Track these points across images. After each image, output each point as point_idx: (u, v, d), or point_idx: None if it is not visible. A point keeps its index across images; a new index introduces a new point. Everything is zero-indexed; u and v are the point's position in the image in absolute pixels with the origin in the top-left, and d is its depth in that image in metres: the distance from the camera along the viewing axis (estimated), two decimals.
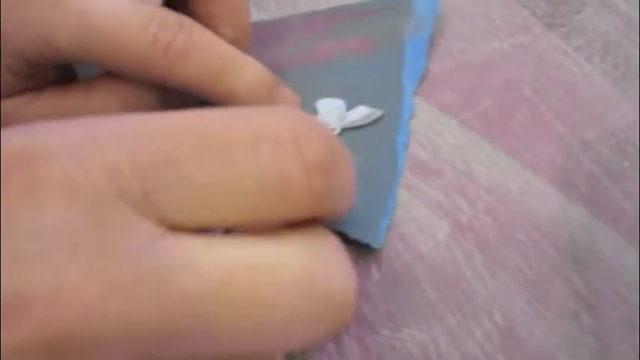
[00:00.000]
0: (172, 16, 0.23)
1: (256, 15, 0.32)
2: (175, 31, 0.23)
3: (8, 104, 0.24)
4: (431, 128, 0.27)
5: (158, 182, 0.14)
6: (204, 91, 0.24)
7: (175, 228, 0.14)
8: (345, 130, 0.26)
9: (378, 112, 0.27)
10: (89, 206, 0.13)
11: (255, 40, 0.29)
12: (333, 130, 0.26)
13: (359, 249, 0.24)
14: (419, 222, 0.25)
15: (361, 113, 0.27)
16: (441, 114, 0.28)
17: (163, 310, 0.13)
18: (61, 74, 0.25)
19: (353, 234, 0.24)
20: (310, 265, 0.14)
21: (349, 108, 0.27)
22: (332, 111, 0.27)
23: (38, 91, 0.25)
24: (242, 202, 0.14)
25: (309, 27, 0.31)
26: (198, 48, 0.23)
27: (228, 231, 0.15)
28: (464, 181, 0.26)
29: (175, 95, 0.25)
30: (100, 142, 0.14)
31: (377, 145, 0.26)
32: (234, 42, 0.25)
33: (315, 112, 0.27)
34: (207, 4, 0.25)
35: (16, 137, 0.14)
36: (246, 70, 0.24)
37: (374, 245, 0.24)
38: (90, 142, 0.14)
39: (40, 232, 0.13)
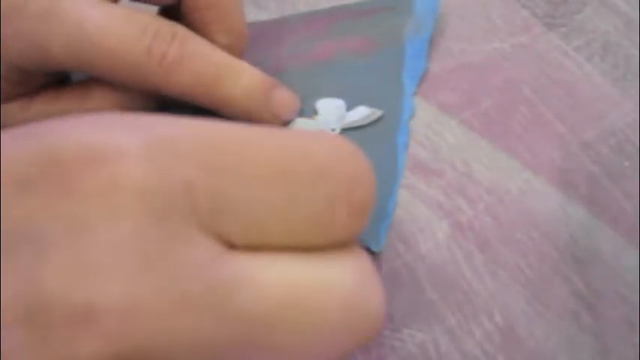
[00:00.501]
0: (166, 26, 0.23)
1: (256, 15, 0.32)
2: (169, 40, 0.23)
3: (2, 110, 0.24)
4: (431, 128, 0.27)
5: (225, 204, 0.14)
6: (200, 98, 0.24)
7: (230, 246, 0.14)
8: (344, 130, 0.26)
9: (378, 113, 0.27)
10: (163, 217, 0.13)
11: (255, 40, 0.29)
12: (333, 130, 0.26)
13: None
14: (419, 222, 0.25)
15: (361, 113, 0.27)
16: (441, 114, 0.28)
17: (223, 326, 0.13)
18: (53, 78, 0.25)
19: None
20: (354, 285, 0.15)
21: (349, 108, 0.27)
22: (332, 111, 0.27)
23: (32, 96, 0.25)
24: (293, 229, 0.14)
25: (308, 27, 0.31)
26: (192, 56, 0.23)
27: None
28: (464, 181, 0.26)
29: (170, 99, 0.25)
30: (179, 150, 0.14)
31: (377, 146, 0.26)
32: (229, 48, 0.25)
33: (315, 112, 0.27)
34: (200, 12, 0.25)
35: (89, 131, 0.14)
36: (242, 76, 0.24)
37: (374, 249, 0.24)
38: (168, 148, 0.14)
39: (114, 242, 0.13)
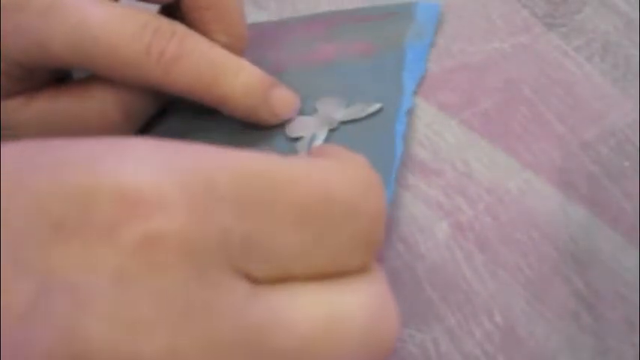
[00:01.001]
0: (166, 24, 0.23)
1: (256, 15, 0.32)
2: (168, 38, 0.23)
3: (2, 107, 0.24)
4: (431, 128, 0.27)
5: (255, 246, 0.14)
6: (199, 96, 0.24)
7: (254, 280, 0.14)
8: (344, 122, 0.26)
9: (377, 105, 0.27)
10: (201, 267, 0.13)
11: (255, 41, 0.29)
12: (331, 125, 0.26)
13: None
14: (419, 222, 0.25)
15: (359, 107, 0.27)
16: (441, 114, 0.28)
17: None
18: (55, 75, 0.25)
19: None
20: (374, 311, 0.15)
21: (349, 103, 0.27)
22: (331, 109, 0.27)
23: (33, 92, 0.25)
24: (314, 265, 0.15)
25: (308, 29, 0.31)
26: (191, 54, 0.23)
27: None
28: (464, 181, 0.26)
29: (170, 97, 0.25)
30: (215, 195, 0.14)
31: (376, 134, 0.26)
32: (229, 47, 0.25)
33: (315, 111, 0.27)
34: (200, 11, 0.25)
35: (127, 170, 0.13)
36: (241, 75, 0.24)
37: None
38: (206, 193, 0.13)
39: (156, 294, 0.13)
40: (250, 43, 0.27)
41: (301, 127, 0.26)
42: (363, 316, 0.15)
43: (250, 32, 0.27)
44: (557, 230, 0.24)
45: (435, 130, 0.27)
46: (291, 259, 0.14)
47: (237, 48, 0.26)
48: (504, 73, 0.29)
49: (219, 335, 0.13)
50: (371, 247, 0.15)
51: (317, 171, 0.15)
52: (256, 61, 0.26)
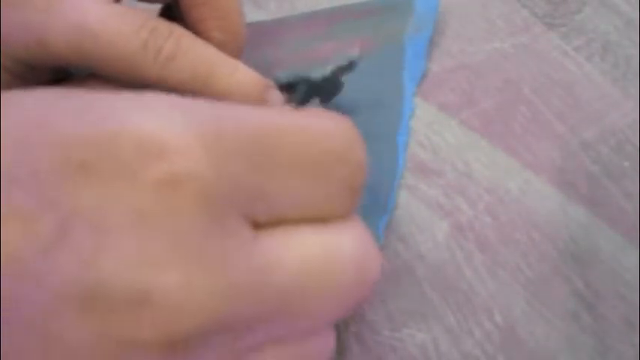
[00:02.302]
0: (163, 24, 0.24)
1: (256, 14, 0.32)
2: (166, 36, 0.24)
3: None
4: (431, 128, 0.27)
5: (260, 193, 0.15)
6: (195, 94, 0.24)
7: (254, 224, 0.15)
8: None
9: (354, 55, 0.26)
10: (216, 212, 0.14)
11: (255, 39, 0.29)
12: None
13: None
14: (419, 222, 0.25)
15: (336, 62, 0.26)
16: (441, 114, 0.28)
17: (259, 304, 0.14)
18: (55, 75, 0.26)
19: None
20: (362, 249, 0.16)
21: (349, 110, 0.27)
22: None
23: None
24: (309, 208, 0.16)
25: (308, 27, 0.31)
26: (187, 53, 0.24)
27: None
28: (464, 181, 0.26)
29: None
30: (227, 146, 0.14)
31: (378, 144, 0.26)
32: (226, 45, 0.25)
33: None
34: (197, 8, 0.25)
35: (146, 118, 0.14)
36: (235, 75, 0.25)
37: None
38: (219, 144, 0.14)
39: (173, 234, 0.13)
40: (250, 42, 0.27)
41: None
42: (353, 252, 0.16)
43: (250, 31, 0.27)
44: (557, 230, 0.24)
45: (435, 130, 0.27)
46: (291, 203, 0.15)
47: (234, 46, 0.26)
48: (504, 73, 0.29)
49: (228, 277, 0.14)
50: (355, 193, 0.17)
51: (314, 124, 0.16)
52: (256, 60, 0.26)
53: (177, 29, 0.24)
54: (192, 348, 0.14)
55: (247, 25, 0.27)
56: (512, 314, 0.23)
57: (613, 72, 0.28)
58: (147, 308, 0.13)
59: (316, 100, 0.26)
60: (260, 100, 0.26)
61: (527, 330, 0.22)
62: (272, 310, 0.15)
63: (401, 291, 0.23)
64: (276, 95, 0.26)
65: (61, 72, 0.26)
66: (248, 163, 0.15)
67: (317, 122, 0.16)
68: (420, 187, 0.26)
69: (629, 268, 0.23)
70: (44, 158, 0.13)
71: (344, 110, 0.27)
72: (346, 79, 0.28)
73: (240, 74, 0.25)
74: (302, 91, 0.26)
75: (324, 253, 0.16)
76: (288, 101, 0.26)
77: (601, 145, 0.26)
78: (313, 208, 0.16)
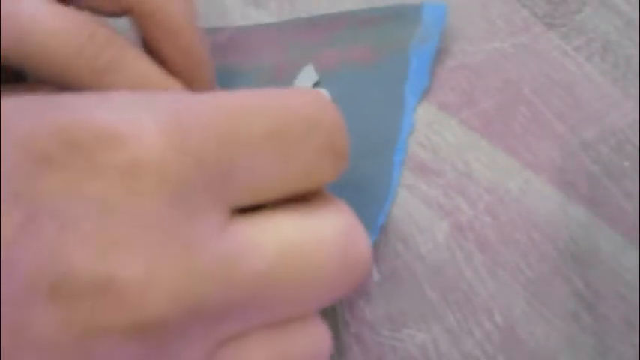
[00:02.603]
0: (104, 33, 0.22)
1: (256, 14, 0.32)
2: (103, 44, 0.22)
3: None
4: (431, 128, 0.27)
5: (229, 172, 0.15)
6: None
7: (235, 211, 0.15)
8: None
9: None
10: (179, 194, 0.14)
11: (257, 44, 0.29)
12: None
13: None
14: (419, 222, 0.25)
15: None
16: (441, 113, 0.28)
17: (232, 291, 0.14)
18: (10, 77, 0.25)
19: None
20: (344, 233, 0.16)
21: (350, 118, 0.26)
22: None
23: None
24: (287, 182, 0.16)
25: (311, 33, 0.30)
26: (123, 67, 0.22)
27: None
28: (464, 181, 0.26)
29: None
30: (189, 126, 0.14)
31: (373, 162, 0.26)
32: (176, 65, 0.24)
33: None
34: (147, 26, 0.24)
35: (106, 110, 0.14)
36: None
37: None
38: (178, 123, 0.14)
39: (135, 219, 0.13)
40: (252, 47, 0.26)
41: None
42: (334, 237, 0.16)
43: (252, 35, 0.26)
44: (557, 230, 0.24)
45: (435, 130, 0.27)
46: (267, 177, 0.15)
47: (189, 66, 0.24)
48: (504, 73, 0.29)
49: (194, 262, 0.14)
50: (338, 158, 0.16)
51: (276, 96, 0.16)
52: (257, 65, 0.25)
53: (119, 40, 0.23)
54: (165, 336, 0.14)
55: (248, 29, 0.26)
56: (512, 314, 0.23)
57: (613, 72, 0.28)
58: (111, 294, 0.13)
59: None
60: None
61: (527, 330, 0.22)
62: (247, 297, 0.15)
63: (401, 291, 0.23)
64: None
65: (20, 74, 0.26)
66: (214, 140, 0.14)
67: (282, 94, 0.16)
68: (420, 187, 0.26)
69: (629, 268, 0.23)
70: (9, 157, 0.13)
71: None
72: (346, 87, 0.28)
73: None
74: None
75: (302, 237, 0.15)
76: None
77: (601, 145, 0.26)
78: (293, 180, 0.16)
